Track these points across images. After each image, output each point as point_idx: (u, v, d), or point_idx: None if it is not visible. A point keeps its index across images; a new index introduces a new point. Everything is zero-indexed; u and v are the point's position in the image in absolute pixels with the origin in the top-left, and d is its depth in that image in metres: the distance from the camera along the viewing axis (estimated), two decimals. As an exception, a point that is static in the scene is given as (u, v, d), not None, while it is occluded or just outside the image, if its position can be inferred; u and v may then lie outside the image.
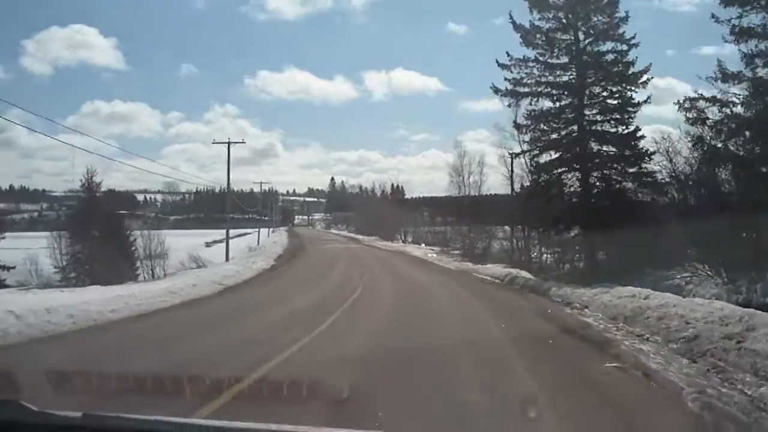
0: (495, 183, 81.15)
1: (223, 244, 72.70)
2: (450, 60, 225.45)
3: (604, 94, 25.89)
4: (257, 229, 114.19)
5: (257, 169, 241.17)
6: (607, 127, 25.83)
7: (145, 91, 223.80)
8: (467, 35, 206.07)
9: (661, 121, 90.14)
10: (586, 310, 13.69)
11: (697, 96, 19.67)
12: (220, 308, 16.92)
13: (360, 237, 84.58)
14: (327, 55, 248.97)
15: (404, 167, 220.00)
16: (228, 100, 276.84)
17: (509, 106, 26.41)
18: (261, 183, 75.57)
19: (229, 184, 38.72)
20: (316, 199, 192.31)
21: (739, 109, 19.67)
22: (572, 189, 26.48)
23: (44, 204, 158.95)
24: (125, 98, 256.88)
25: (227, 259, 38.74)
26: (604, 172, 26.07)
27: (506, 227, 42.36)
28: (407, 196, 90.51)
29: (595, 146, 26.09)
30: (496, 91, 26.04)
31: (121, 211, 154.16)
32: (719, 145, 19.42)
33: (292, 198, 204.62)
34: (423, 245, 63.19)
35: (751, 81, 19.11)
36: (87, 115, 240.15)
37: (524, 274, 24.35)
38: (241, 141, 39.84)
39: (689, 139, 20.29)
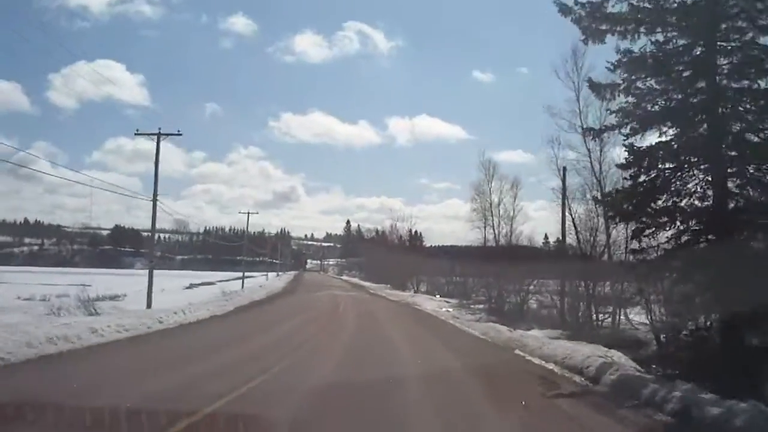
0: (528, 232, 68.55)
1: (210, 287, 61.23)
2: (474, 108, 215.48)
3: (752, 29, 13.81)
4: (264, 274, 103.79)
5: (278, 212, 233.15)
6: (758, 86, 13.60)
7: (169, 129, 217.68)
8: (492, 84, 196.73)
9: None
10: None
11: None
12: None
13: (367, 284, 72.44)
14: (351, 99, 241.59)
15: (425, 215, 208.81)
16: (252, 142, 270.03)
17: (584, 41, 14.45)
18: (248, 212, 62.92)
19: (156, 191, 26.68)
20: (332, 245, 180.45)
21: None
22: (692, 201, 14.22)
23: (46, 239, 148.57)
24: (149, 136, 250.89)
25: (149, 305, 26.65)
26: (752, 168, 13.80)
27: (544, 281, 30.33)
28: (426, 244, 78.14)
29: (735, 123, 13.88)
30: (565, 10, 14.04)
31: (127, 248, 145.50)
32: None
33: (308, 242, 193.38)
34: (437, 296, 50.85)
35: None
36: (111, 151, 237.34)
37: (622, 359, 11.88)
38: (177, 133, 26.27)
39: None
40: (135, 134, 27.51)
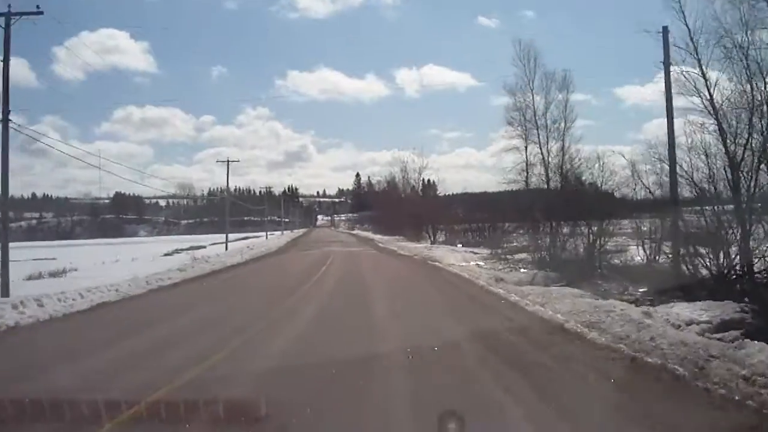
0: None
1: (193, 252, 51.18)
2: (480, 54, 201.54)
3: None
4: (272, 232, 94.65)
5: (291, 171, 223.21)
6: None
7: (177, 95, 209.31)
8: (497, 28, 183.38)
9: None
10: None
11: None
12: None
13: (377, 237, 62.55)
14: (357, 53, 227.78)
15: (437, 166, 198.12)
16: (260, 102, 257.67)
17: None
18: (227, 160, 50.85)
19: (6, 107, 15.83)
20: (344, 199, 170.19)
21: None
22: None
23: (45, 213, 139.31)
24: (158, 103, 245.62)
25: (4, 293, 16.33)
26: None
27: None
28: (440, 193, 67.51)
29: None
30: None
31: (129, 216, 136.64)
32: None
33: (320, 199, 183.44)
34: (459, 246, 40.62)
35: None
36: (120, 121, 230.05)
37: None
38: (35, 11, 15.36)
39: None
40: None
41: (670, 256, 16.43)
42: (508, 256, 27.98)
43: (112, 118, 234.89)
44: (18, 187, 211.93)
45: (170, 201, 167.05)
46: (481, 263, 25.99)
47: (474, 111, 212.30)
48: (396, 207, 64.54)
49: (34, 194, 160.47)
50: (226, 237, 47.57)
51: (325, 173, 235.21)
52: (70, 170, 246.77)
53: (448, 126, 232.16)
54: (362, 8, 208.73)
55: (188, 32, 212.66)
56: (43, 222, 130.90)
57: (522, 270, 22.71)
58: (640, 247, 21.85)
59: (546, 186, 23.15)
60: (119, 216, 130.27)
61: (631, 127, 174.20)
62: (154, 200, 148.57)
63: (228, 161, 49.89)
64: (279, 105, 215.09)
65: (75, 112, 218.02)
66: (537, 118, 23.89)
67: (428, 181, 69.84)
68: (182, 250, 54.27)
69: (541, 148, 23.61)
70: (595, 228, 20.32)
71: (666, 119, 15.51)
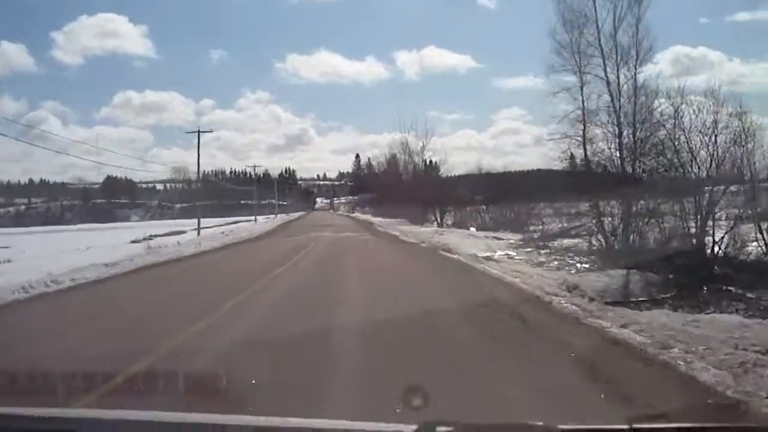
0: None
1: (165, 239, 43.84)
2: (481, 36, 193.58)
3: None
4: (267, 216, 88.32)
5: (291, 155, 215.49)
6: None
7: (177, 79, 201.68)
8: (497, 10, 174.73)
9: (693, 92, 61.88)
10: None
11: None
12: None
13: (377, 220, 55.23)
14: (357, 36, 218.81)
15: (438, 148, 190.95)
16: (259, 86, 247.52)
17: None
18: (198, 131, 44.17)
19: None
20: (344, 182, 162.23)
21: None
22: None
23: (37, 198, 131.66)
24: (157, 87, 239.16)
25: None
26: None
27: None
28: (443, 173, 60.32)
29: None
30: None
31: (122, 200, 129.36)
32: None
33: (320, 182, 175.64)
34: (474, 230, 33.36)
35: None
36: (119, 106, 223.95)
37: None
38: None
39: None
40: None
41: None
42: (549, 244, 20.63)
43: (111, 103, 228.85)
44: (18, 173, 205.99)
45: (167, 185, 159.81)
46: (512, 253, 18.66)
47: (474, 93, 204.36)
48: (397, 187, 57.32)
49: (31, 180, 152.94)
50: (198, 222, 40.11)
51: (326, 156, 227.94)
52: (71, 156, 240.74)
53: (449, 108, 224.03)
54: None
55: (186, 15, 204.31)
56: (32, 207, 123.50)
57: (580, 264, 15.34)
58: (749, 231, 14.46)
59: (617, 141, 15.54)
60: (110, 201, 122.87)
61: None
62: (150, 184, 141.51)
63: (198, 131, 42.24)
64: (279, 88, 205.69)
65: (75, 96, 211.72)
66: (604, 40, 16.11)
67: (431, 161, 62.45)
68: (157, 235, 47.25)
69: (608, 86, 15.85)
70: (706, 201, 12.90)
71: None
